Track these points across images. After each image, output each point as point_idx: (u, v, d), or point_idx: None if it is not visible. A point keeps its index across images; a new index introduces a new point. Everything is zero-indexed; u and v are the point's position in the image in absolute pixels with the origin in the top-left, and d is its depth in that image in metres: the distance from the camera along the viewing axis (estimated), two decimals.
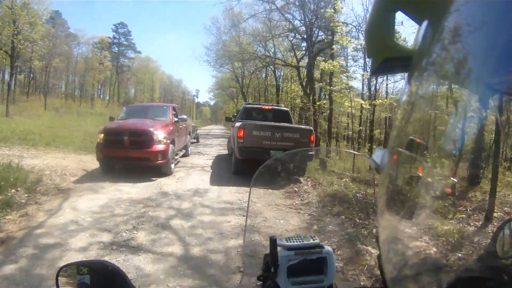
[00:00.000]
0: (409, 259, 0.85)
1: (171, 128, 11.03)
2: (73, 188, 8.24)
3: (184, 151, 13.69)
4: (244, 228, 5.15)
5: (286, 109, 13.52)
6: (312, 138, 10.06)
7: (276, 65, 32.48)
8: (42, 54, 43.56)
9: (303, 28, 25.91)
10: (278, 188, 8.91)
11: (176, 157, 11.47)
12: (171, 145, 10.32)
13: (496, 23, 0.49)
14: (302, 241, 1.24)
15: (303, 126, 11.69)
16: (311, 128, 10.52)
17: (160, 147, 9.82)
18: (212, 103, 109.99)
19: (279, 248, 1.19)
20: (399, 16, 0.76)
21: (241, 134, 9.76)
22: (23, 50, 29.95)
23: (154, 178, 9.62)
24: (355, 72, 26.87)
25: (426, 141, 0.78)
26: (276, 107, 13.28)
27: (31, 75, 56.76)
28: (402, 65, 0.81)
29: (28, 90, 55.75)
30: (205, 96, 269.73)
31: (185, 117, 12.93)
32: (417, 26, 0.74)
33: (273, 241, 1.16)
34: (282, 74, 37.18)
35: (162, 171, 10.09)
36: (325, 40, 25.57)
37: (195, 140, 21.85)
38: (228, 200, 7.80)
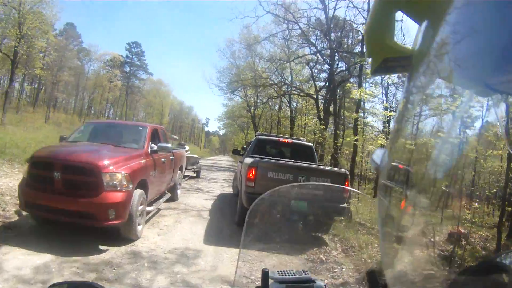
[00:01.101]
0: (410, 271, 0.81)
1: (141, 162, 6.93)
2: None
3: (168, 195, 9.32)
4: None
5: (310, 144, 10.85)
6: (347, 185, 7.47)
7: (292, 95, 30.30)
8: (47, 64, 42.35)
9: (326, 52, 23.89)
10: (296, 252, 6.23)
11: (149, 209, 7.34)
12: (137, 192, 6.37)
13: (496, 23, 0.49)
14: (294, 275, 1.27)
15: (336, 169, 8.95)
16: (347, 171, 7.82)
17: (114, 196, 5.81)
18: (221, 132, 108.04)
19: (270, 281, 1.21)
20: (399, 16, 0.78)
21: (252, 175, 7.20)
22: (25, 56, 28.38)
23: (103, 248, 5.80)
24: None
25: (410, 166, 0.75)
26: (297, 141, 10.59)
27: (41, 87, 55.01)
28: (402, 65, 0.83)
29: (35, 101, 53.79)
30: (214, 126, 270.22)
31: (168, 145, 8.30)
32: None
33: (264, 274, 1.20)
34: (296, 106, 35.15)
35: (122, 235, 6.18)
36: (350, 69, 23.64)
37: (195, 175, 18.21)
38: (228, 277, 5.18)
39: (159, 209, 8.67)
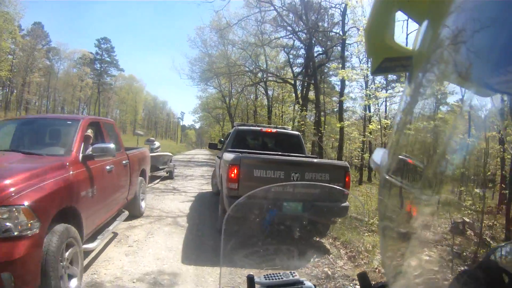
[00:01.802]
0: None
1: (65, 177, 4.23)
2: None
3: (125, 214, 6.79)
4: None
5: (297, 132, 9.60)
6: (347, 179, 6.33)
7: (268, 81, 29.17)
8: (16, 66, 40.46)
9: (302, 36, 22.83)
10: (291, 265, 5.06)
11: (91, 246, 4.88)
12: (59, 230, 3.76)
13: (496, 23, 0.50)
14: (282, 278, 1.22)
15: (334, 162, 7.65)
16: (347, 164, 6.60)
17: (6, 249, 3.21)
18: (197, 126, 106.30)
19: (257, 286, 1.16)
20: (399, 16, 0.80)
21: (234, 174, 5.95)
22: None
23: None
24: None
25: (420, 161, 0.77)
26: (281, 130, 9.28)
27: (13, 90, 52.63)
28: (402, 65, 0.85)
29: (5, 105, 51.29)
30: (190, 119, 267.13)
31: (108, 146, 5.11)
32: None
33: (249, 280, 1.14)
34: (272, 94, 34.12)
35: None
36: (327, 53, 22.66)
37: (167, 175, 15.62)
38: None
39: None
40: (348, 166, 6.46)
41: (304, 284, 1.23)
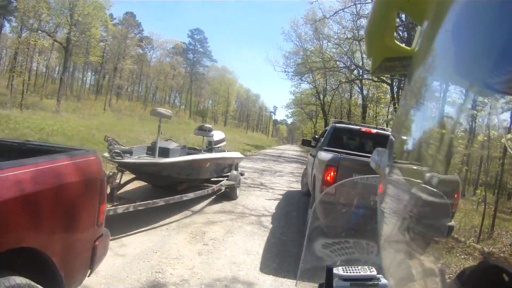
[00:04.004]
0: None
1: None
2: None
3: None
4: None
5: None
6: (456, 196, 5.20)
7: (364, 79, 27.77)
8: (109, 52, 42.99)
9: (402, 32, 21.28)
10: (369, 260, 4.17)
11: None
12: None
13: (496, 23, 0.50)
14: (359, 272, 1.23)
15: (444, 176, 6.54)
16: (458, 178, 5.48)
17: None
18: (289, 121, 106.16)
19: (335, 278, 1.17)
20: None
21: (330, 177, 5.18)
22: (78, 44, 28.33)
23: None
24: None
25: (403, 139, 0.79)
26: (382, 132, 8.18)
27: (105, 75, 56.11)
28: (402, 65, 0.86)
29: (97, 89, 54.91)
30: (282, 114, 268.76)
31: None
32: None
33: (329, 271, 1.13)
34: (367, 93, 32.57)
35: None
36: None
37: (225, 189, 8.38)
38: None
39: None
40: (459, 181, 5.34)
41: (380, 281, 1.19)
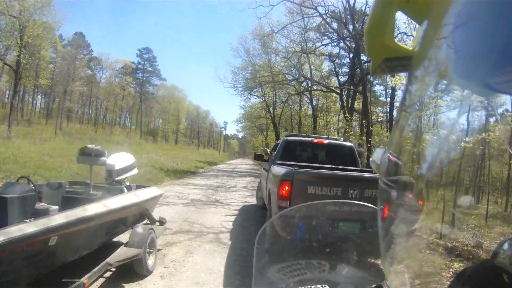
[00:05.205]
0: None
1: None
2: None
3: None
4: None
5: (350, 144, 8.70)
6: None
7: (313, 91, 28.50)
8: (58, 74, 41.84)
9: (345, 45, 22.13)
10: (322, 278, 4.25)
11: None
12: None
13: (496, 23, 0.49)
14: None
15: (402, 178, 6.84)
16: (412, 180, 5.76)
17: None
18: (240, 135, 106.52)
19: None
20: (399, 16, 0.80)
21: (285, 191, 5.28)
22: (27, 67, 27.40)
23: None
24: None
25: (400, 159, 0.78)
26: (333, 142, 8.53)
27: (55, 98, 54.23)
28: (402, 65, 0.84)
29: (47, 113, 53.04)
30: (232, 129, 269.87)
31: None
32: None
33: None
34: (317, 103, 33.36)
35: None
36: None
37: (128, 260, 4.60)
38: None
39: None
40: (414, 183, 5.64)
41: None
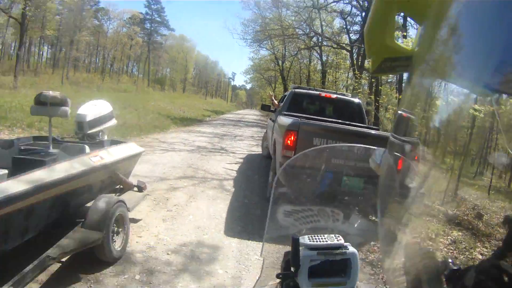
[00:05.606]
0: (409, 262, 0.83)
1: None
2: None
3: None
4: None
5: (358, 100, 8.49)
6: (417, 158, 5.43)
7: (323, 46, 27.90)
8: (65, 25, 41.46)
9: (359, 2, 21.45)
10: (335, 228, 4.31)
11: None
12: None
13: (496, 23, 0.50)
14: (326, 241, 1.20)
15: (406, 138, 6.77)
16: (418, 141, 5.68)
17: None
18: (248, 86, 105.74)
19: (301, 247, 1.13)
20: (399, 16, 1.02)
21: (291, 141, 5.23)
22: (33, 18, 27.07)
23: None
24: None
25: (416, 117, 0.76)
26: (342, 97, 8.40)
27: (62, 48, 53.33)
28: (402, 65, 0.85)
29: (54, 63, 52.35)
30: (241, 80, 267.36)
31: None
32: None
33: (295, 241, 1.11)
34: (327, 59, 32.69)
35: None
36: None
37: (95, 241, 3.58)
38: None
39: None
40: (420, 143, 5.58)
41: (348, 249, 1.18)
